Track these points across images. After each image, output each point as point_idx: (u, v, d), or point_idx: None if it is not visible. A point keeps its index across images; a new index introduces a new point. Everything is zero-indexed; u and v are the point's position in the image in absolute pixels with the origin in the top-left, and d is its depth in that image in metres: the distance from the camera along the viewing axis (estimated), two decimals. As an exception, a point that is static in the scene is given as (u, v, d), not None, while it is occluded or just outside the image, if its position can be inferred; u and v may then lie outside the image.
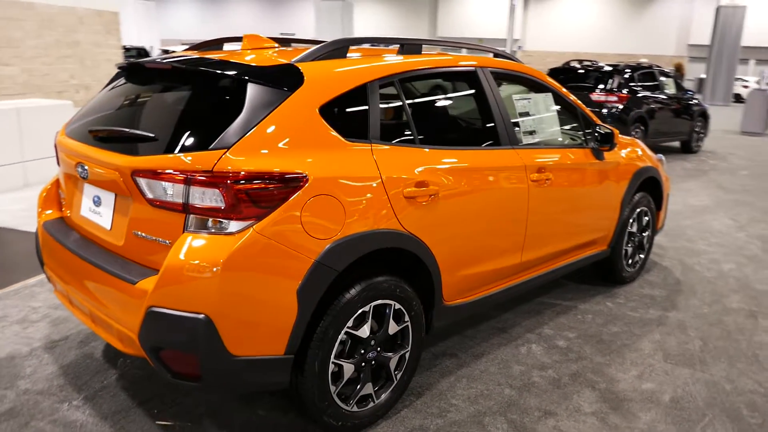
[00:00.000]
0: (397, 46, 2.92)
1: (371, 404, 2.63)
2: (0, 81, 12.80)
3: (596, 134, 3.72)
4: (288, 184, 2.16)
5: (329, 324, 2.34)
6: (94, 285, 2.38)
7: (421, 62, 2.84)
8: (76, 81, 13.71)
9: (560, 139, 3.68)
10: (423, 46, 3.01)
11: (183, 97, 2.41)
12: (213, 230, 2.10)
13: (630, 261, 4.48)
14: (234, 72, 2.33)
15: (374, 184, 2.42)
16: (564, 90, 3.77)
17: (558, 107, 3.67)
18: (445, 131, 3.15)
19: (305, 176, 2.20)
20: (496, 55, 3.45)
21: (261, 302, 2.14)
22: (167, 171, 2.11)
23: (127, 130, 2.36)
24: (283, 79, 2.33)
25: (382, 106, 2.61)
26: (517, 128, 3.29)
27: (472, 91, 3.15)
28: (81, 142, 2.51)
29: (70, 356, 3.14)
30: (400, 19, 40.06)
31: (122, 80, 2.80)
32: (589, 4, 35.53)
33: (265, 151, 2.18)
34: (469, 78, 3.13)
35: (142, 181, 2.17)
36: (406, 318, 2.67)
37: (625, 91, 9.60)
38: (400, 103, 2.71)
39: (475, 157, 2.93)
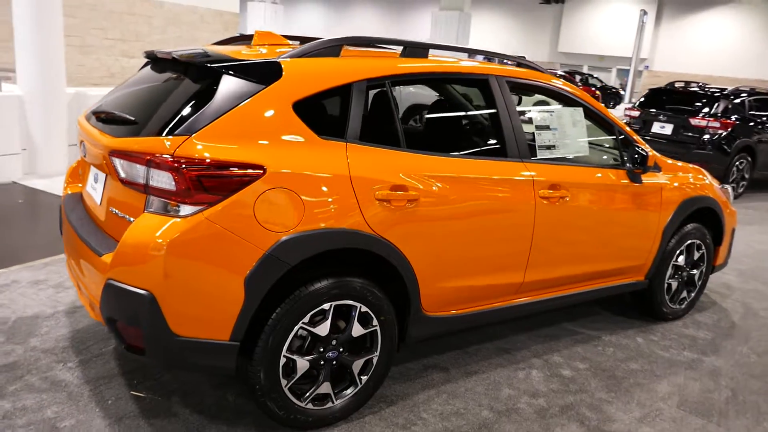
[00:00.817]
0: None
1: (329, 404, 2.61)
2: (126, 71, 14.00)
3: (632, 155, 3.46)
4: (243, 174, 2.21)
5: (282, 317, 2.36)
6: (79, 255, 2.56)
7: (418, 66, 2.80)
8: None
9: (589, 156, 3.46)
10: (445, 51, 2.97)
11: (172, 86, 2.54)
12: (168, 212, 2.19)
13: (674, 297, 4.11)
14: (215, 64, 2.42)
15: (341, 183, 2.40)
16: (600, 106, 3.54)
17: (590, 123, 3.46)
18: (441, 138, 3.07)
19: (263, 168, 2.24)
20: (520, 65, 3.31)
21: (206, 287, 2.20)
22: (135, 152, 2.24)
23: (116, 112, 2.52)
24: (260, 73, 2.39)
25: (369, 106, 2.59)
26: (531, 141, 3.14)
27: (480, 100, 3.04)
28: (87, 122, 2.71)
29: (84, 322, 3.39)
30: (520, 33, 39.35)
31: (147, 68, 2.99)
32: (728, 25, 32.96)
33: (228, 141, 2.24)
34: (480, 86, 3.03)
35: (116, 161, 2.31)
36: (375, 322, 2.63)
37: (733, 117, 8.81)
38: (390, 106, 2.68)
39: (470, 167, 2.83)
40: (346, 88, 2.53)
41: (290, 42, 3.08)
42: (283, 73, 2.41)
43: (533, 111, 3.21)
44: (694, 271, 4.16)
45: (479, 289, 3.01)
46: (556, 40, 39.36)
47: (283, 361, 2.42)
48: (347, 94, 2.53)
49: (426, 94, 3.23)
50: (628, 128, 3.66)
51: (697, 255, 4.12)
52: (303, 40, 3.27)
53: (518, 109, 3.13)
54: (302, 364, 2.48)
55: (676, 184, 3.81)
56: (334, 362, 2.58)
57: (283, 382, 2.45)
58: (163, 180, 2.17)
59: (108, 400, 2.70)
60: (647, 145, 3.74)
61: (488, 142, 3.03)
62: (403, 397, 2.93)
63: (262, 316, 2.37)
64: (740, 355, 3.73)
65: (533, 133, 3.17)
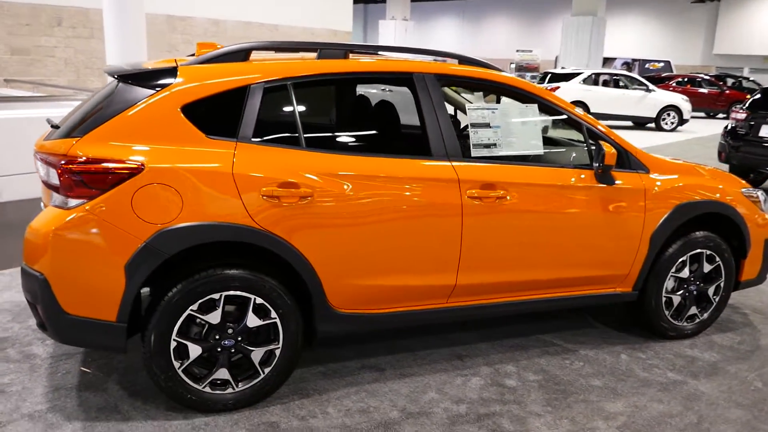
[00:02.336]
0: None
1: (229, 390, 2.75)
2: (245, 92, 15.15)
3: (598, 154, 3.21)
4: (121, 170, 2.45)
5: (170, 302, 2.56)
6: None
7: (326, 67, 2.87)
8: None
9: (547, 155, 3.27)
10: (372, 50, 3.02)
11: (96, 96, 2.85)
12: (63, 206, 2.49)
13: (679, 313, 3.70)
14: (120, 74, 2.69)
15: (223, 180, 2.56)
16: (564, 103, 3.34)
17: (550, 121, 3.28)
18: (347, 137, 3.09)
19: (141, 165, 2.46)
20: (462, 61, 3.23)
21: (90, 271, 2.47)
22: (42, 153, 2.57)
23: (53, 121, 2.89)
24: (153, 80, 2.62)
25: (267, 108, 2.72)
26: (463, 139, 3.06)
27: (400, 98, 3.03)
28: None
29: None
30: (669, 36, 36.50)
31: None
32: None
33: (113, 141, 2.49)
34: (404, 84, 3.03)
35: (37, 162, 2.67)
36: (273, 315, 2.74)
37: None
38: (291, 107, 2.78)
39: (377, 166, 2.83)
40: (241, 91, 2.69)
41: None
42: (176, 79, 2.62)
43: (470, 108, 3.12)
44: (707, 286, 3.71)
45: (402, 290, 2.98)
46: (711, 41, 36.03)
47: (174, 344, 2.61)
48: (242, 97, 2.68)
49: (341, 95, 3.26)
50: (602, 126, 3.40)
51: (708, 267, 3.68)
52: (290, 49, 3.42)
53: (469, 107, 3.08)
54: (194, 349, 2.65)
55: (668, 186, 3.45)
56: (233, 350, 2.72)
57: (176, 364, 2.64)
58: (54, 176, 2.47)
59: (59, 373, 3.07)
60: (630, 144, 3.45)
61: (408, 141, 3.00)
62: (321, 392, 2.99)
63: (156, 301, 2.58)
64: (740, 381, 3.27)
65: (467, 131, 3.08)
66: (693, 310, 3.73)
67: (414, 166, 2.90)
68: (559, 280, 3.32)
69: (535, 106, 3.26)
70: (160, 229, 2.48)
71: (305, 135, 2.78)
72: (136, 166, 2.46)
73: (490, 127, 3.13)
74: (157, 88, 2.60)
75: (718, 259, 3.68)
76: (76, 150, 2.45)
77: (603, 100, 16.34)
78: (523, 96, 3.26)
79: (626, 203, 3.34)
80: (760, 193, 3.88)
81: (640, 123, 17.24)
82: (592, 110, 16.38)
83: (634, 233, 3.40)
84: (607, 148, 3.13)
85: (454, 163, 2.97)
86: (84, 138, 2.49)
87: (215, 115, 2.67)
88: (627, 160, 3.41)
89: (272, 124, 2.78)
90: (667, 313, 3.65)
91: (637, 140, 14.48)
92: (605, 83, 16.91)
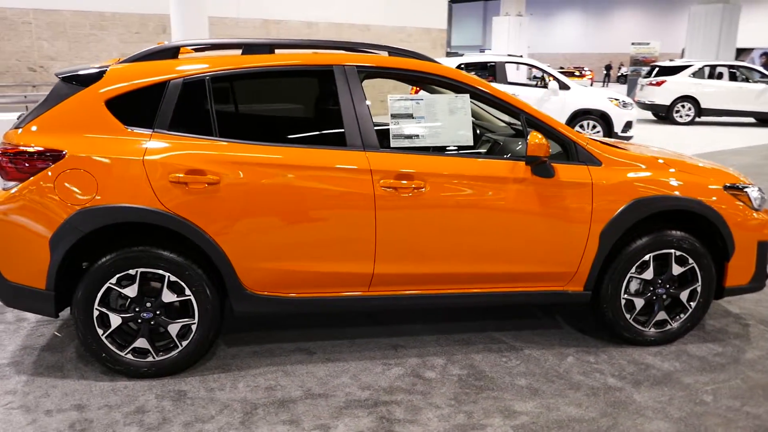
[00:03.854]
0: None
1: (150, 359, 3.03)
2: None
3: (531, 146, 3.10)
4: (46, 157, 2.80)
5: (92, 275, 2.88)
6: None
7: (247, 63, 3.04)
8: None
9: (479, 147, 3.22)
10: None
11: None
12: (4, 187, 2.89)
13: (644, 318, 3.46)
14: (59, 74, 3.05)
15: (134, 167, 2.83)
16: (502, 93, 3.26)
17: (486, 110, 3.23)
18: (261, 127, 3.21)
19: (63, 152, 2.80)
20: (392, 53, 3.26)
21: (23, 244, 2.84)
22: None
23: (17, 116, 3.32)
24: (83, 78, 2.95)
25: (185, 100, 2.96)
26: (381, 130, 3.10)
27: (319, 90, 3.13)
28: None
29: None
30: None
31: None
32: None
33: (45, 132, 2.85)
34: (325, 76, 3.12)
35: None
36: (187, 292, 2.97)
37: None
38: (207, 99, 2.99)
39: (287, 155, 2.96)
40: (160, 86, 2.95)
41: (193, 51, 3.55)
42: (104, 76, 2.93)
43: (391, 99, 3.14)
44: (680, 290, 3.43)
45: (318, 276, 3.09)
46: None
47: (96, 313, 2.93)
48: (161, 91, 2.94)
49: (261, 88, 3.40)
50: (547, 117, 3.27)
51: (679, 270, 3.40)
52: (216, 47, 3.67)
53: (391, 97, 3.12)
54: (114, 318, 2.95)
55: (621, 181, 3.24)
56: (152, 322, 2.99)
57: (100, 331, 2.96)
58: (-1, 162, 2.88)
59: (35, 335, 3.53)
60: (582, 136, 3.29)
61: (325, 132, 3.09)
62: (242, 368, 3.18)
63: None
64: (688, 394, 3.01)
65: (387, 122, 3.12)
66: (662, 315, 3.47)
67: (325, 155, 3.00)
68: (491, 275, 3.25)
69: (467, 96, 3.21)
70: (78, 209, 2.80)
71: (219, 126, 2.98)
72: (58, 153, 2.80)
73: (413, 118, 3.14)
74: (85, 85, 2.92)
75: (691, 261, 3.39)
76: (12, 139, 2.84)
77: (716, 94, 15.00)
78: (453, 86, 3.23)
79: (568, 197, 3.19)
80: (752, 190, 3.50)
81: (763, 120, 15.59)
82: (703, 106, 15.09)
83: (579, 230, 3.23)
84: (534, 139, 3.02)
85: (369, 154, 3.03)
86: (24, 129, 2.87)
87: (135, 108, 2.94)
88: (575, 152, 3.26)
89: (189, 116, 3.00)
90: (628, 316, 3.43)
91: (744, 139, 13.10)
92: (719, 76, 15.47)
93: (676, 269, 3.40)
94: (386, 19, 16.24)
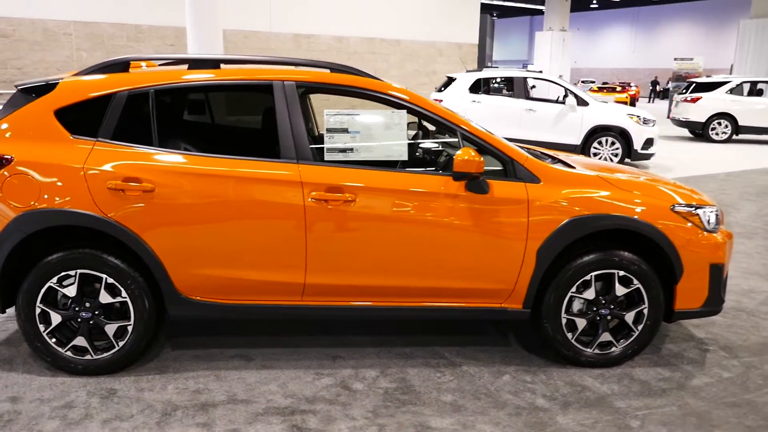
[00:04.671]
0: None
1: (88, 357, 3.17)
2: (365, 104, 15.99)
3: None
4: (-5, 162, 2.99)
5: (34, 274, 3.04)
6: None
7: (189, 77, 3.17)
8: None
9: (406, 160, 3.25)
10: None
11: None
12: (-37, 190, 3.09)
13: (588, 339, 3.40)
14: (17, 85, 3.25)
15: (75, 173, 2.99)
16: (439, 108, 3.28)
17: (427, 127, 3.27)
18: (195, 138, 3.31)
19: (11, 158, 2.98)
20: (333, 70, 3.33)
21: (-28, 243, 3.04)
22: None
23: None
24: (38, 89, 3.14)
25: (129, 111, 3.11)
26: (316, 144, 3.17)
27: (258, 104, 3.23)
28: None
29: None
30: None
31: None
32: None
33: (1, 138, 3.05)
34: (261, 91, 3.22)
35: None
36: (124, 294, 3.11)
37: None
38: (150, 111, 3.13)
39: (221, 165, 3.06)
40: (106, 98, 3.10)
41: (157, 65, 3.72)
42: (56, 88, 3.11)
43: (327, 114, 3.21)
44: (625, 312, 3.36)
45: (251, 283, 3.17)
46: None
47: (38, 310, 3.09)
48: (107, 102, 3.10)
49: (203, 100, 3.51)
50: (485, 134, 3.28)
51: (623, 291, 3.33)
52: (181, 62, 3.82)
53: (327, 112, 3.20)
54: (55, 317, 3.11)
55: (557, 199, 3.21)
56: (91, 322, 3.14)
57: (41, 327, 3.11)
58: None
59: (2, 330, 3.73)
60: (520, 153, 3.27)
61: (261, 144, 3.18)
62: (178, 371, 3.28)
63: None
64: (615, 418, 2.95)
65: (321, 135, 3.19)
66: (606, 337, 3.40)
67: (258, 166, 3.09)
68: (424, 289, 3.26)
69: (403, 112, 3.25)
70: (22, 211, 2.97)
71: (159, 136, 3.11)
72: (6, 158, 2.99)
73: (348, 132, 3.20)
74: (38, 96, 3.11)
75: (636, 282, 3.31)
76: None
77: (755, 111, 14.45)
78: (390, 102, 3.27)
79: (503, 214, 3.19)
80: (704, 211, 3.40)
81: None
82: (741, 123, 14.57)
83: (515, 247, 3.21)
84: (463, 155, 3.03)
85: (301, 166, 3.10)
86: (-22, 135, 3.08)
87: (82, 118, 3.11)
88: (513, 169, 3.25)
89: (131, 127, 3.14)
90: (570, 336, 3.37)
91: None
92: (759, 92, 14.91)
93: (620, 290, 3.33)
94: (417, 33, 16.35)
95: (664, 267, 3.37)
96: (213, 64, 3.26)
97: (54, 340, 3.15)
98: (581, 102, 10.41)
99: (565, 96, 10.55)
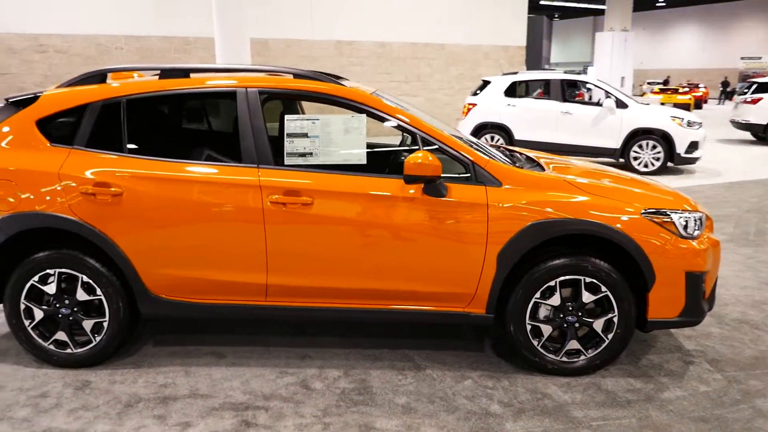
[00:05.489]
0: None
1: (69, 350, 3.38)
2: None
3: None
4: (-20, 169, 3.25)
5: (17, 273, 3.28)
6: None
7: (158, 86, 3.33)
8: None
9: (371, 164, 3.29)
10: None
11: None
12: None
13: (555, 346, 3.34)
14: (6, 98, 3.50)
15: (51, 179, 3.20)
16: (403, 113, 3.31)
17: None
18: (163, 145, 3.43)
19: (-5, 165, 3.24)
20: (297, 75, 3.41)
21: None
22: None
23: None
24: (23, 102, 3.38)
25: (103, 120, 3.30)
26: (275, 148, 3.26)
27: (224, 111, 3.34)
28: None
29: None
30: None
31: None
32: None
33: (-17, 147, 3.31)
34: (225, 98, 3.34)
35: None
36: (99, 292, 3.30)
37: None
38: (120, 119, 3.30)
39: (185, 170, 3.20)
40: (82, 108, 3.31)
41: (137, 75, 3.90)
42: (38, 99, 3.35)
43: (288, 119, 3.29)
44: (593, 319, 3.28)
45: (216, 284, 3.30)
46: None
47: (23, 306, 3.32)
48: (81, 112, 3.31)
49: (172, 108, 3.63)
50: (445, 137, 3.28)
51: (590, 297, 3.25)
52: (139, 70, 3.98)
53: (288, 118, 3.30)
54: (38, 312, 3.33)
55: (519, 202, 3.17)
56: (70, 317, 3.35)
57: (26, 322, 3.35)
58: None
59: (3, 324, 4.01)
60: (480, 157, 3.26)
61: (225, 149, 3.30)
62: (152, 366, 3.45)
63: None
64: (570, 429, 2.88)
65: (282, 140, 3.27)
66: (574, 345, 3.32)
67: (220, 170, 3.21)
68: (384, 292, 3.29)
69: (363, 116, 3.30)
70: (3, 215, 3.21)
71: (129, 143, 3.29)
72: (-11, 165, 3.24)
73: (308, 137, 3.27)
74: (22, 108, 3.35)
75: (604, 289, 3.23)
76: None
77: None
78: (351, 107, 3.32)
79: (460, 218, 3.18)
80: (679, 216, 3.27)
81: None
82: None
83: (474, 251, 3.20)
84: (413, 159, 3.05)
85: (261, 170, 3.20)
86: (-29, 144, 3.35)
87: (60, 127, 3.33)
88: (473, 172, 3.23)
89: (104, 134, 3.32)
90: (535, 343, 3.32)
91: None
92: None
93: (587, 297, 3.25)
94: (462, 37, 16.26)
95: (637, 274, 3.26)
96: (183, 73, 3.41)
97: (38, 333, 3.37)
98: (620, 104, 10.08)
99: (608, 97, 10.24)
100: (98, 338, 3.37)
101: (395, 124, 3.32)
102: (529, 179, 3.26)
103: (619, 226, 3.17)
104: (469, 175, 3.25)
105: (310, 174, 3.22)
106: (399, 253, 3.22)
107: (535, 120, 10.52)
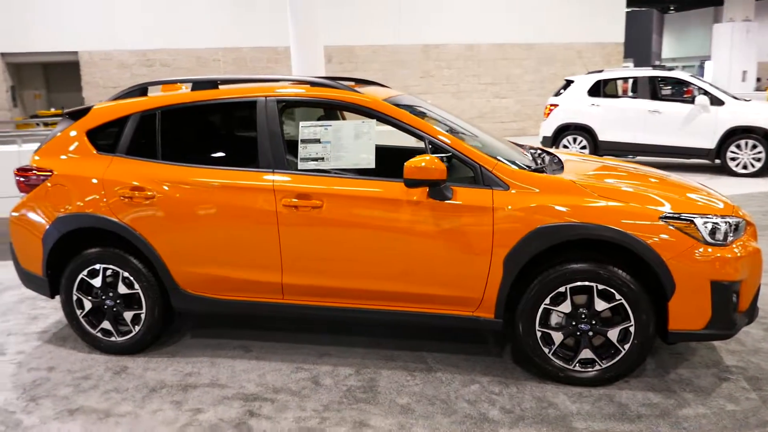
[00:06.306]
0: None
1: (113, 338, 3.73)
2: (495, 111, 15.93)
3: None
4: (40, 175, 3.68)
5: (70, 269, 3.68)
6: None
7: (190, 98, 3.60)
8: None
9: (376, 167, 3.37)
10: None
11: None
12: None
13: (568, 355, 3.24)
14: (65, 111, 3.92)
15: (96, 184, 3.57)
16: (410, 118, 3.35)
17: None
18: (192, 151, 3.65)
19: (52, 171, 3.66)
20: (314, 84, 3.55)
21: (26, 240, 3.74)
22: None
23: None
24: (77, 114, 3.79)
25: (141, 130, 3.63)
26: (291, 154, 3.42)
27: (242, 119, 3.55)
28: None
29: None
30: None
31: None
32: None
33: (46, 155, 3.74)
34: (247, 107, 3.54)
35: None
36: (137, 287, 3.63)
37: None
38: (155, 128, 3.61)
39: (210, 175, 3.45)
40: (124, 119, 3.66)
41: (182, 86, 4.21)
42: (89, 112, 3.74)
43: (303, 126, 3.43)
44: (607, 328, 3.16)
45: (237, 282, 3.52)
46: None
47: (75, 297, 3.72)
48: (124, 123, 3.65)
49: (207, 118, 3.86)
50: (454, 140, 3.28)
51: (603, 305, 3.13)
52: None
53: (302, 124, 3.47)
54: (87, 303, 3.71)
55: (526, 206, 3.12)
56: (114, 309, 3.70)
57: (78, 312, 3.74)
58: (19, 181, 3.84)
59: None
60: (489, 159, 3.24)
61: (246, 155, 3.51)
62: (185, 356, 3.72)
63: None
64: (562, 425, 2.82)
65: (300, 146, 3.43)
66: (588, 354, 3.21)
67: (239, 175, 3.43)
68: (393, 294, 3.34)
69: (373, 122, 3.38)
70: (59, 215, 3.62)
71: (163, 150, 3.59)
72: (49, 172, 3.66)
73: (320, 143, 3.40)
74: (75, 119, 3.76)
75: (618, 297, 3.10)
76: (33, 162, 3.77)
77: None
78: (364, 113, 3.41)
79: (465, 222, 3.17)
80: (703, 221, 3.06)
81: None
82: None
83: (480, 255, 3.18)
84: (412, 163, 3.09)
85: (276, 175, 3.38)
86: (36, 153, 3.80)
87: (105, 137, 3.70)
88: (480, 175, 3.22)
89: (141, 143, 3.64)
90: (546, 350, 3.24)
91: None
92: None
93: (600, 304, 3.13)
94: (553, 35, 15.79)
95: (656, 283, 3.10)
96: (212, 84, 3.67)
97: (87, 322, 3.75)
98: (715, 101, 9.38)
99: (702, 94, 9.58)
100: (137, 328, 3.70)
101: (405, 129, 3.36)
102: (538, 182, 3.20)
103: (633, 231, 3.02)
104: (476, 178, 3.23)
105: (321, 178, 3.35)
106: (404, 256, 3.27)
107: (621, 120, 10.04)
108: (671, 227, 3.04)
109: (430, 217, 3.21)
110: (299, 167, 3.42)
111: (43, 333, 4.14)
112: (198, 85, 3.70)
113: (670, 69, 10.08)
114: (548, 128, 10.63)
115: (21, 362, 3.70)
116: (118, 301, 3.68)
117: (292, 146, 3.48)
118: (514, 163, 3.38)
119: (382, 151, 3.53)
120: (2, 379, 3.49)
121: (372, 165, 3.37)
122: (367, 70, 14.69)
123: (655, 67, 10.80)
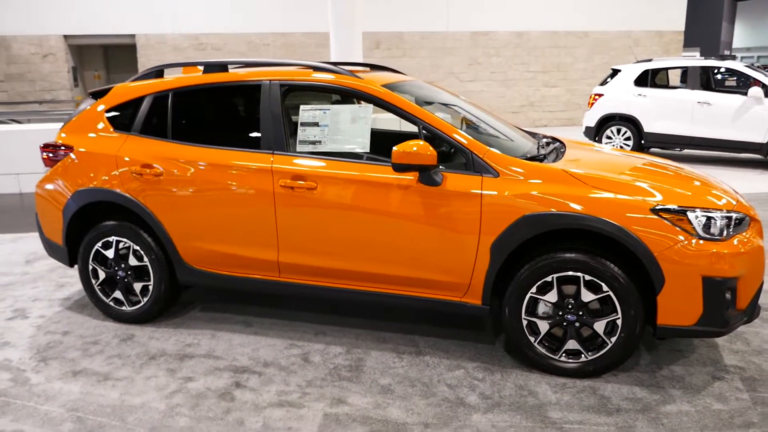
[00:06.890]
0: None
1: (124, 307, 3.95)
2: (545, 99, 15.62)
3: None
4: (61, 151, 3.91)
5: (87, 241, 3.91)
6: None
7: (198, 80, 3.74)
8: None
9: (373, 151, 3.41)
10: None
11: None
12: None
13: (554, 345, 3.22)
14: (89, 91, 4.14)
15: (110, 160, 3.77)
16: (406, 104, 3.37)
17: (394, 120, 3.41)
18: (199, 132, 3.76)
19: (72, 147, 3.88)
20: (316, 69, 3.61)
21: (49, 211, 4.00)
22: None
23: None
24: (98, 94, 4.00)
25: (154, 110, 3.80)
26: (292, 136, 3.51)
27: (247, 102, 3.66)
28: None
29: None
30: None
31: None
32: None
33: (68, 132, 3.97)
34: (251, 90, 3.65)
35: None
36: (146, 259, 3.83)
37: None
38: (167, 109, 3.77)
39: (213, 154, 3.58)
40: (140, 100, 3.84)
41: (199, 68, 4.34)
42: (109, 92, 3.94)
43: (303, 109, 3.51)
44: (593, 320, 3.12)
45: (236, 258, 3.65)
46: None
47: (91, 267, 3.94)
48: (139, 103, 3.83)
49: (213, 99, 3.97)
50: (447, 126, 3.29)
51: (590, 296, 3.10)
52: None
53: (302, 108, 3.55)
54: (102, 273, 3.93)
55: (514, 194, 3.11)
56: (125, 279, 3.92)
57: (93, 281, 3.97)
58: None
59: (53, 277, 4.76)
60: (480, 146, 3.23)
61: (249, 136, 3.62)
62: (189, 327, 3.90)
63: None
64: (537, 428, 2.81)
65: (298, 129, 3.51)
66: (574, 344, 3.18)
67: (241, 156, 3.54)
68: (383, 276, 3.40)
69: (370, 106, 3.42)
70: (77, 189, 3.85)
71: (173, 130, 3.75)
72: (70, 147, 3.89)
73: (318, 126, 3.48)
74: (96, 99, 3.97)
75: (606, 288, 3.06)
76: (54, 138, 4.01)
77: None
78: (362, 98, 3.46)
79: (454, 207, 3.19)
80: (696, 214, 2.97)
81: None
82: None
83: (467, 241, 3.19)
84: (399, 148, 3.11)
85: (274, 156, 3.48)
86: (61, 130, 4.04)
87: (122, 116, 3.88)
88: (471, 162, 3.22)
89: (154, 122, 3.81)
90: (532, 339, 3.23)
91: None
92: None
93: (587, 295, 3.09)
94: (608, 23, 15.28)
95: (645, 276, 3.04)
96: (221, 67, 3.79)
97: (101, 291, 3.98)
98: None
99: (755, 85, 9.12)
100: (145, 299, 3.89)
101: (402, 114, 3.37)
102: (528, 170, 3.17)
103: (621, 222, 2.97)
104: (467, 164, 3.24)
105: (315, 159, 3.43)
106: (394, 239, 3.31)
107: (668, 111, 9.67)
108: (662, 220, 2.96)
109: (419, 201, 3.24)
110: (297, 150, 3.50)
111: (65, 300, 4.41)
112: (209, 68, 3.83)
113: (724, 58, 9.56)
114: (592, 118, 10.36)
115: (40, 325, 3.97)
116: (129, 273, 3.88)
117: (293, 129, 3.56)
118: (510, 150, 3.35)
119: (387, 136, 3.58)
120: (21, 340, 3.76)
121: (367, 149, 3.42)
122: (414, 56, 14.65)
123: (716, 56, 10.24)
